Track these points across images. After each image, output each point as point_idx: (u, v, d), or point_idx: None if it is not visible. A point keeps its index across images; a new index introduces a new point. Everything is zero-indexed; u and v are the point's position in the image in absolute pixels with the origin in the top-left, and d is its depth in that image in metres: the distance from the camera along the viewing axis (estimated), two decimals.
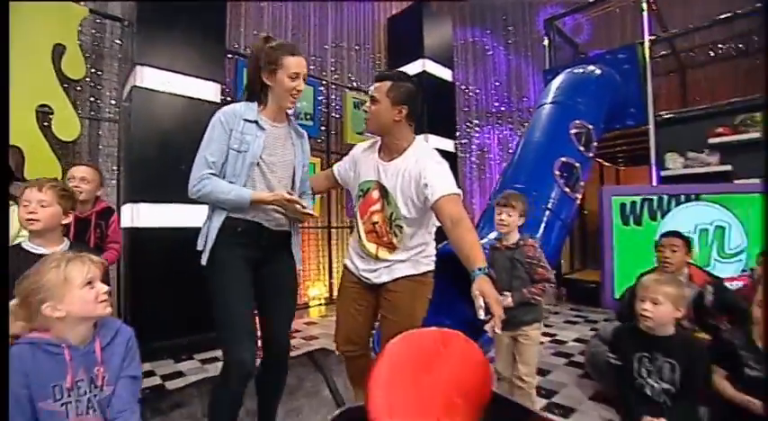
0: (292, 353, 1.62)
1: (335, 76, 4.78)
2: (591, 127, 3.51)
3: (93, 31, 3.18)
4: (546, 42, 5.24)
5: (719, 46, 5.18)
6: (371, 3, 5.19)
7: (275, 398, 1.60)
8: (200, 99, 3.03)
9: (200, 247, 1.43)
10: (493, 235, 1.93)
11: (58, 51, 2.82)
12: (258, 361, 1.51)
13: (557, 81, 4.08)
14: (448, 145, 4.96)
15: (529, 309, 1.74)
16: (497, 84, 6.18)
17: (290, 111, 1.53)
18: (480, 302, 1.16)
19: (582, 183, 3.30)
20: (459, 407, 1.08)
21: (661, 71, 5.23)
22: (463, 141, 5.86)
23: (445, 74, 5.03)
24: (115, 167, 3.19)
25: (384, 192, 1.51)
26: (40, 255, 1.25)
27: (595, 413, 1.97)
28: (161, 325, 2.66)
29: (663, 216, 2.86)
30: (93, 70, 3.15)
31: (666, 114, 4.14)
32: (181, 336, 2.80)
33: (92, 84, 3.16)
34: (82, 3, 2.97)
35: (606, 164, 6.30)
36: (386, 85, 1.46)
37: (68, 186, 1.53)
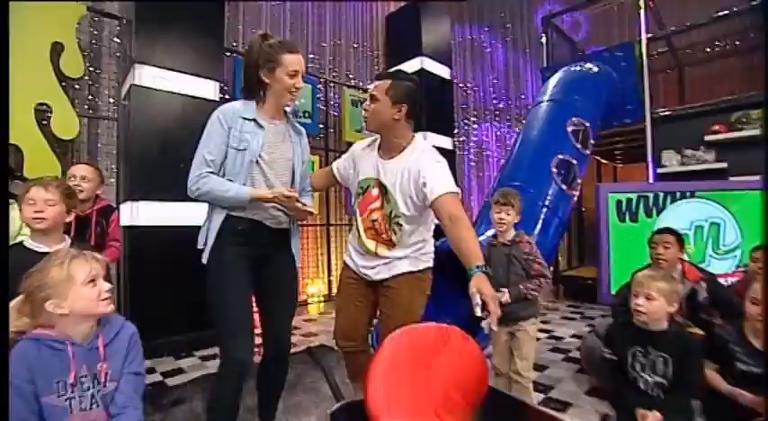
0: (291, 350, 1.63)
1: (334, 74, 4.78)
2: (588, 124, 3.53)
3: (91, 29, 3.18)
4: (543, 40, 5.24)
5: (717, 43, 5.20)
6: (370, 1, 5.19)
7: (276, 395, 1.62)
8: (198, 97, 3.03)
9: (200, 246, 1.44)
10: (490, 232, 1.94)
11: (57, 50, 2.82)
12: (259, 358, 1.54)
13: (554, 79, 4.09)
14: (446, 142, 4.97)
15: (525, 304, 1.77)
16: (495, 81, 6.19)
17: (288, 109, 1.54)
18: (477, 300, 1.18)
19: (579, 181, 3.32)
20: (456, 402, 1.11)
21: (659, 68, 5.26)
22: (461, 139, 5.87)
23: (443, 71, 5.03)
24: (114, 166, 3.20)
25: (383, 190, 1.52)
26: (43, 254, 1.27)
27: (591, 407, 2.00)
28: (161, 322, 2.68)
29: (658, 213, 2.89)
30: (91, 68, 3.15)
31: (663, 112, 4.16)
32: (180, 334, 2.81)
33: (90, 82, 3.15)
34: (80, 1, 2.96)
35: (604, 161, 6.32)
36: (386, 83, 1.47)
37: (70, 185, 1.54)
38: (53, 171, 2.69)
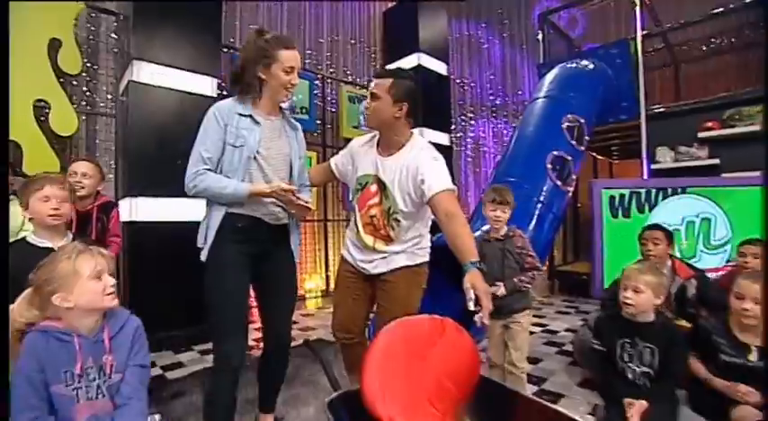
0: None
1: (331, 70, 4.79)
2: (583, 121, 3.56)
3: (89, 25, 3.18)
4: (540, 36, 5.26)
5: (712, 40, 5.23)
6: (368, 1, 5.19)
7: (276, 387, 1.65)
8: (196, 93, 3.04)
9: (200, 244, 1.44)
10: (485, 227, 1.98)
11: (55, 46, 2.83)
12: (259, 352, 1.58)
13: (550, 75, 4.11)
14: (443, 138, 4.99)
15: (519, 296, 1.82)
16: (492, 77, 6.21)
17: (285, 105, 1.54)
18: (471, 295, 1.21)
19: (574, 177, 3.36)
20: (449, 391, 1.15)
21: (655, 65, 5.29)
22: (458, 135, 5.90)
23: (440, 67, 5.05)
24: (112, 162, 3.21)
25: (382, 187, 1.55)
26: (46, 249, 1.30)
27: (583, 398, 2.05)
28: (160, 317, 2.70)
29: (650, 209, 2.93)
30: (88, 65, 3.15)
31: (658, 108, 4.20)
32: (179, 328, 2.85)
33: (88, 78, 3.16)
34: (79, 0, 2.96)
35: (600, 157, 6.37)
36: (387, 82, 1.48)
37: (71, 181, 1.57)
38: (52, 167, 2.71)
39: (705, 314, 1.71)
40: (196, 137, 1.42)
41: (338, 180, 1.82)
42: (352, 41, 5.03)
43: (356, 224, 1.64)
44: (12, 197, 1.74)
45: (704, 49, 5.35)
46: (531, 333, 3.07)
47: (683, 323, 1.82)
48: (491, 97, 6.20)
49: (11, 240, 1.41)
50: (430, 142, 1.64)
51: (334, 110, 4.73)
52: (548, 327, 3.37)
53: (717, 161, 3.68)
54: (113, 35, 3.28)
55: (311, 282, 4.35)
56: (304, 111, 4.23)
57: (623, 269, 1.58)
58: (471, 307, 1.20)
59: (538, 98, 3.88)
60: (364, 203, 1.61)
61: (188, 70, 3.03)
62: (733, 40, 5.10)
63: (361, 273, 1.65)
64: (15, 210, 1.56)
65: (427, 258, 1.64)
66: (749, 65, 4.87)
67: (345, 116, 4.64)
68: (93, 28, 3.20)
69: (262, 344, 1.62)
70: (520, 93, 6.20)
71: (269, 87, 1.42)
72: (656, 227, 2.10)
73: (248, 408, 1.77)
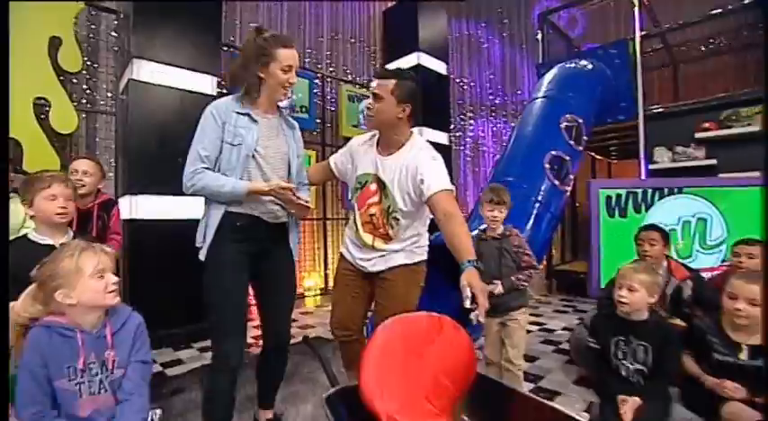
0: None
1: (331, 69, 4.80)
2: (581, 121, 3.58)
3: (89, 23, 3.18)
4: (539, 36, 5.27)
5: (711, 41, 5.25)
6: (368, 1, 5.19)
7: (275, 384, 1.66)
8: (196, 92, 3.05)
9: (198, 243, 1.43)
10: (482, 226, 2.00)
11: (55, 44, 2.83)
12: (259, 350, 1.59)
13: (549, 75, 4.13)
14: (442, 137, 5.01)
15: (516, 294, 1.84)
16: (492, 77, 6.22)
17: (285, 104, 1.55)
18: (468, 293, 1.23)
19: (571, 177, 3.38)
20: (446, 388, 1.17)
21: (653, 65, 5.30)
22: (457, 134, 5.91)
23: (440, 67, 5.06)
24: (112, 160, 3.22)
25: (382, 186, 1.57)
26: (47, 246, 1.31)
27: (579, 396, 2.07)
28: (160, 315, 2.71)
29: (647, 209, 2.95)
30: (89, 63, 3.16)
31: (656, 109, 4.22)
32: (179, 326, 2.86)
33: (88, 76, 3.17)
34: (79, 0, 2.96)
35: (598, 157, 6.39)
36: (390, 83, 1.49)
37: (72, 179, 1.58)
38: (52, 165, 2.72)
39: (700, 314, 1.73)
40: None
41: (337, 179, 1.83)
42: (352, 40, 5.04)
43: (355, 222, 1.66)
44: (12, 194, 1.75)
45: (703, 49, 5.37)
46: (529, 332, 3.10)
47: (678, 322, 1.83)
48: (490, 97, 6.21)
49: (12, 237, 1.42)
50: (429, 141, 1.66)
51: (333, 109, 4.74)
52: (545, 326, 3.39)
53: (714, 161, 3.71)
54: (113, 33, 3.29)
55: (310, 281, 4.37)
56: (304, 109, 4.24)
57: (618, 268, 1.60)
58: (468, 304, 1.22)
59: (536, 98, 3.89)
60: (364, 202, 1.62)
61: (188, 69, 3.04)
62: (731, 41, 5.12)
63: (360, 271, 1.66)
64: (16, 207, 1.57)
65: (425, 257, 1.66)
66: (747, 66, 4.89)
67: (345, 115, 4.65)
68: (93, 26, 3.21)
69: (261, 342, 1.63)
70: (519, 92, 6.21)
71: (267, 86, 1.42)
72: (653, 227, 2.11)
73: (247, 405, 1.79)
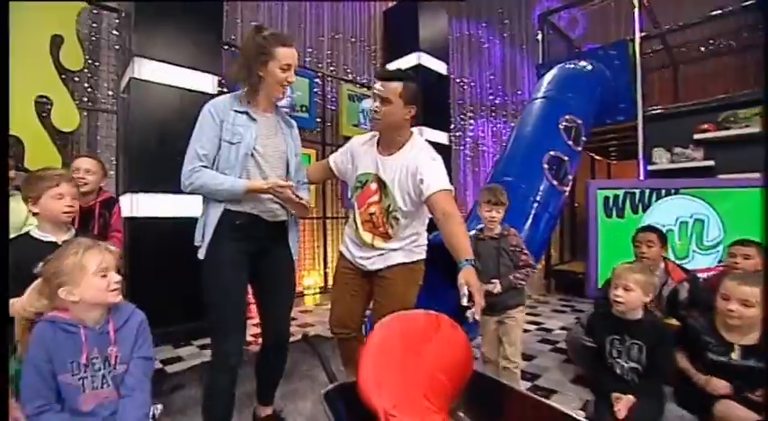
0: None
1: (331, 69, 4.81)
2: (580, 122, 3.59)
3: (91, 22, 3.19)
4: (540, 37, 5.28)
5: (711, 42, 5.26)
6: (368, 1, 5.20)
7: (274, 382, 1.68)
8: (196, 91, 3.06)
9: (197, 242, 1.42)
10: (479, 226, 2.01)
11: (57, 42, 2.85)
12: (258, 347, 1.60)
13: (548, 76, 4.14)
14: (442, 137, 5.02)
15: (513, 293, 1.86)
16: (492, 77, 6.23)
17: (285, 103, 1.56)
18: (464, 290, 1.25)
19: (570, 177, 3.39)
20: (443, 385, 1.19)
21: (654, 66, 5.31)
22: (457, 134, 5.93)
23: (440, 67, 5.07)
24: (113, 158, 3.23)
25: (382, 185, 1.58)
26: (49, 243, 1.33)
27: (575, 395, 2.08)
28: (159, 312, 2.70)
29: (644, 209, 2.97)
30: (90, 61, 3.17)
31: (655, 110, 4.24)
32: (179, 323, 2.88)
33: (89, 75, 3.18)
34: (80, 0, 2.97)
35: (598, 158, 6.41)
36: (398, 86, 1.50)
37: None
38: (54, 162, 2.73)
39: (696, 314, 1.75)
40: None
41: (337, 177, 1.84)
42: (353, 40, 5.05)
43: (355, 221, 1.68)
44: (14, 192, 1.76)
45: (703, 50, 5.38)
46: (527, 331, 3.13)
47: (673, 321, 1.85)
48: (491, 97, 6.22)
49: (14, 235, 1.44)
50: (429, 141, 1.68)
51: (333, 108, 4.76)
52: (543, 326, 3.41)
53: (712, 163, 3.72)
54: (115, 32, 3.30)
55: (310, 279, 4.39)
56: (304, 109, 4.26)
57: (614, 267, 1.62)
58: (464, 302, 1.24)
59: (536, 98, 3.90)
60: (364, 201, 1.64)
61: (189, 67, 3.05)
62: (731, 42, 5.13)
63: (359, 269, 1.68)
64: (18, 205, 1.57)
65: (424, 256, 1.68)
66: (747, 67, 4.90)
67: (345, 114, 4.67)
68: (94, 25, 3.22)
69: (260, 340, 1.64)
70: (519, 93, 6.22)
71: (265, 84, 1.41)
72: (650, 228, 2.12)
73: (247, 402, 1.80)
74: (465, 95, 6.07)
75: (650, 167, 4.07)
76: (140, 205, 2.81)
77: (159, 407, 1.24)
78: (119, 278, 1.11)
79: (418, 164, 1.50)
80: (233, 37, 3.92)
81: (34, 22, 2.73)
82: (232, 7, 3.94)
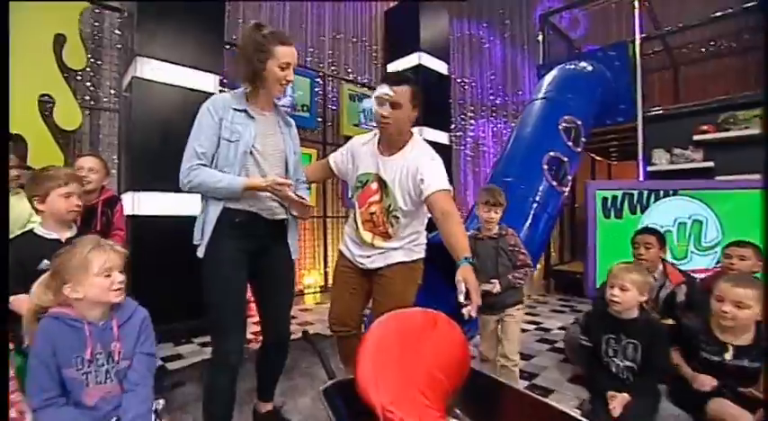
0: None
1: (333, 68, 4.83)
2: (580, 123, 3.60)
3: (93, 21, 3.21)
4: (540, 37, 5.29)
5: (711, 43, 5.27)
6: (369, 1, 5.21)
7: (274, 379, 1.69)
8: (198, 90, 3.07)
9: (196, 240, 1.42)
10: (477, 226, 2.03)
11: (59, 41, 2.87)
12: (258, 345, 1.61)
13: (549, 77, 4.15)
14: (443, 137, 5.04)
15: (512, 292, 1.88)
16: (493, 77, 6.24)
17: (286, 102, 1.57)
18: (462, 288, 1.27)
19: (569, 178, 3.41)
20: (440, 382, 1.20)
21: (654, 67, 5.32)
22: (458, 134, 5.94)
23: (441, 67, 5.08)
24: (115, 157, 3.25)
25: (383, 185, 1.60)
26: (53, 240, 1.35)
27: (573, 394, 2.10)
28: (160, 310, 2.72)
29: (643, 210, 2.99)
30: (92, 60, 3.19)
31: (654, 111, 4.25)
32: (179, 321, 2.90)
33: (92, 73, 3.20)
34: (81, 0, 2.99)
35: (598, 158, 6.42)
36: (408, 90, 1.52)
37: None
38: (56, 161, 2.76)
39: (691, 315, 1.76)
40: None
41: (337, 177, 1.86)
42: (354, 40, 5.06)
43: (355, 220, 1.70)
44: (18, 190, 1.78)
45: (703, 52, 5.38)
46: (526, 330, 3.14)
47: (669, 321, 1.87)
48: (491, 97, 6.23)
49: (19, 232, 1.46)
50: (430, 141, 1.71)
51: (334, 107, 4.77)
52: (542, 325, 3.43)
53: (711, 164, 3.74)
54: (117, 31, 3.32)
55: (310, 278, 4.40)
56: (305, 108, 4.27)
57: (610, 268, 1.64)
58: (461, 299, 1.26)
59: (536, 99, 3.92)
60: (364, 201, 1.66)
61: (191, 67, 3.07)
62: (732, 43, 5.14)
63: (359, 268, 1.70)
64: (22, 203, 1.59)
65: (423, 255, 1.70)
66: (748, 68, 4.91)
67: (346, 114, 4.68)
68: (97, 24, 3.24)
69: (260, 338, 1.65)
70: (520, 93, 6.23)
71: (264, 82, 1.40)
72: (649, 230, 2.12)
73: (247, 398, 1.82)
74: (466, 95, 6.09)
75: (650, 168, 4.09)
76: (142, 203, 2.83)
77: (161, 402, 1.25)
78: (122, 278, 1.13)
79: (419, 164, 1.52)
80: (234, 37, 3.93)
81: (37, 21, 2.75)
82: (234, 7, 3.96)
